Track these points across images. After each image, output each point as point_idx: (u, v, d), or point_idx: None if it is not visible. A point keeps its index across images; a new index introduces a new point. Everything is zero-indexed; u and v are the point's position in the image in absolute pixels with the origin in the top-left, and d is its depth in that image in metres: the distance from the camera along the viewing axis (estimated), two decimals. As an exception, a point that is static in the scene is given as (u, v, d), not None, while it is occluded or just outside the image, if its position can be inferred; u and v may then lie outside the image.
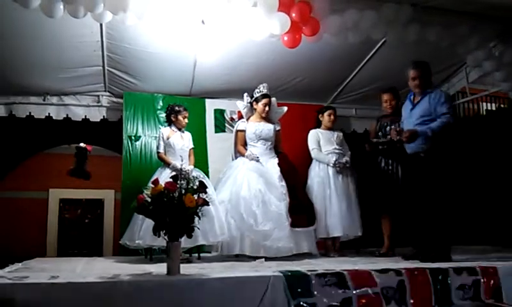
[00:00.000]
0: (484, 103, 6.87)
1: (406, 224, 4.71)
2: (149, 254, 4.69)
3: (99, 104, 6.01)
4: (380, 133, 5.04)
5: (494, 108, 6.80)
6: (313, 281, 3.00)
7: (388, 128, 4.96)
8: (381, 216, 5.04)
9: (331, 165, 5.21)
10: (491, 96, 6.62)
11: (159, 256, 4.52)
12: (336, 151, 5.31)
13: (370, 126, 5.40)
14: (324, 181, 5.21)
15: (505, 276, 3.41)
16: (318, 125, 5.54)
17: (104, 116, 6.03)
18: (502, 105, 6.58)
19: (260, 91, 5.11)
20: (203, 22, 4.36)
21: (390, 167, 4.93)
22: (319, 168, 5.30)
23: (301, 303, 2.89)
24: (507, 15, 4.99)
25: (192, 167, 4.88)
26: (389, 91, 5.10)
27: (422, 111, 4.23)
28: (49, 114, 5.87)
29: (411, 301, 3.10)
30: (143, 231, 4.41)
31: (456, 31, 4.97)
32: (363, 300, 2.99)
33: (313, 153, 5.37)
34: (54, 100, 5.88)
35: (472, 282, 3.32)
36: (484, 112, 6.70)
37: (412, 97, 4.41)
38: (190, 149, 5.11)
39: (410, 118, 4.34)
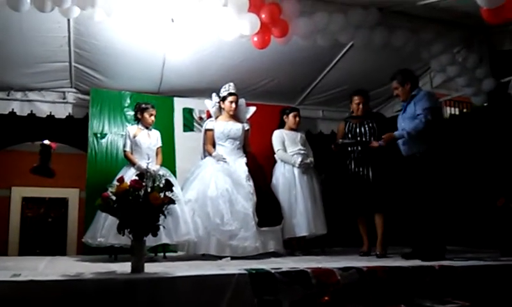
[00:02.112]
0: (448, 108, 7.04)
1: (401, 223, 4.86)
2: (113, 254, 4.63)
3: (65, 100, 5.92)
4: (350, 135, 5.05)
5: (457, 112, 6.97)
6: (277, 279, 3.03)
7: (357, 130, 5.01)
8: (358, 219, 5.06)
9: (297, 165, 5.27)
10: (454, 100, 6.79)
11: (123, 255, 4.48)
12: (301, 152, 5.38)
13: (337, 127, 5.41)
14: (289, 181, 5.26)
15: (463, 275, 3.52)
16: (281, 125, 5.58)
17: (69, 113, 5.94)
18: (465, 110, 6.76)
19: (226, 90, 5.12)
20: (172, 20, 4.34)
21: (360, 168, 4.94)
22: (284, 169, 5.35)
23: (265, 300, 2.92)
24: (471, 22, 5.15)
25: (158, 167, 4.84)
26: (360, 93, 5.10)
27: (410, 114, 4.39)
28: (13, 109, 5.73)
29: (373, 299, 3.16)
30: (105, 229, 4.36)
31: (421, 36, 5.10)
32: (326, 298, 3.04)
33: (279, 154, 5.41)
34: (18, 95, 5.76)
35: (431, 280, 3.41)
36: (448, 116, 6.87)
37: (404, 104, 4.55)
38: (158, 148, 5.05)
39: (402, 123, 4.47)
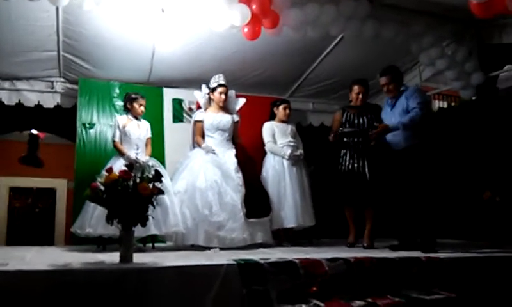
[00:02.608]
0: (437, 101, 7.10)
1: (389, 216, 4.85)
2: (101, 244, 4.62)
3: (53, 90, 5.84)
4: (347, 125, 4.94)
5: (446, 106, 7.04)
6: (266, 269, 3.05)
7: (356, 120, 4.93)
8: (345, 208, 5.04)
9: (287, 157, 5.28)
10: (443, 94, 6.85)
11: (111, 246, 4.47)
12: (291, 144, 5.38)
13: (333, 116, 5.26)
14: (279, 173, 5.27)
15: (450, 266, 3.57)
16: (272, 117, 5.58)
17: (57, 103, 5.87)
18: (453, 104, 6.83)
19: (216, 81, 5.12)
20: (162, 10, 4.32)
21: (356, 161, 4.88)
22: (274, 160, 5.35)
23: (254, 290, 2.93)
24: (460, 15, 5.18)
25: (147, 158, 4.82)
26: (360, 83, 5.00)
27: (401, 109, 4.41)
28: (1, 99, 5.65)
29: (360, 289, 3.20)
30: (93, 220, 4.34)
31: (410, 29, 5.13)
32: (314, 288, 3.07)
33: (268, 146, 5.41)
34: (6, 84, 5.67)
35: (418, 271, 3.45)
36: (436, 110, 6.93)
37: (390, 100, 4.58)
38: (147, 139, 5.04)
39: (392, 118, 4.46)
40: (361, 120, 4.93)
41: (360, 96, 4.98)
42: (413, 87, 4.59)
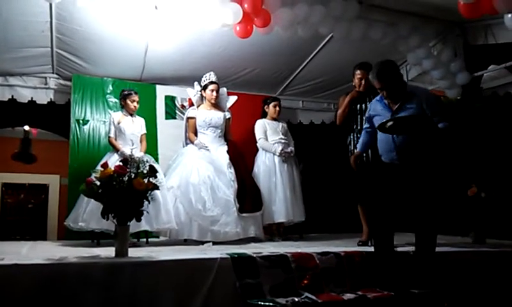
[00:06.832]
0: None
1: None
2: (95, 239, 4.68)
3: (46, 86, 5.87)
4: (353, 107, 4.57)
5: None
6: (258, 263, 3.13)
7: (358, 105, 4.56)
8: (359, 204, 4.65)
9: (277, 154, 5.37)
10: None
11: (105, 241, 4.53)
12: (282, 141, 5.48)
13: (339, 100, 4.79)
14: (270, 169, 5.37)
15: (436, 260, 3.67)
16: (264, 115, 5.67)
17: (51, 99, 5.89)
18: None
19: (207, 78, 5.19)
20: (156, 7, 4.37)
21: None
22: (265, 157, 5.45)
23: (247, 283, 3.01)
24: (447, 16, 5.29)
25: (142, 154, 4.87)
26: (362, 67, 4.53)
27: (414, 113, 3.57)
28: (-7, 94, 5.68)
29: (349, 282, 3.29)
30: (86, 214, 4.40)
31: (398, 30, 5.22)
32: (305, 281, 3.16)
33: (260, 143, 5.50)
34: (-1, 80, 5.71)
35: (404, 265, 3.55)
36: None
37: (386, 101, 3.70)
38: (142, 135, 5.09)
39: None
40: (363, 106, 4.55)
41: (363, 82, 4.54)
42: (431, 94, 3.91)
